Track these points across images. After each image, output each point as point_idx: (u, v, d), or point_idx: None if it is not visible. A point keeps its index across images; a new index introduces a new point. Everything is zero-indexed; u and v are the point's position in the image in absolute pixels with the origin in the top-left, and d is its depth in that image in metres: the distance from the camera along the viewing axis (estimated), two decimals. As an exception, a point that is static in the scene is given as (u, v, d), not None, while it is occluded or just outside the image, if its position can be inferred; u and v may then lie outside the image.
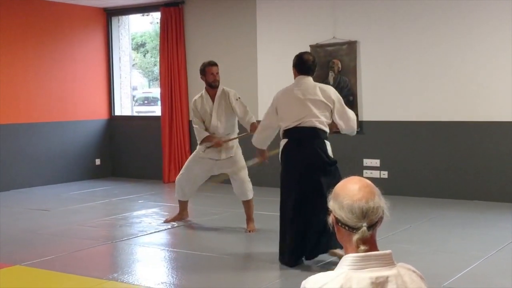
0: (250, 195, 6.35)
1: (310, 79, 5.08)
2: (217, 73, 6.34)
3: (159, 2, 9.91)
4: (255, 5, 9.07)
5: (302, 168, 4.90)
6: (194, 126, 6.44)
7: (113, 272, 5.00)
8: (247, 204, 6.39)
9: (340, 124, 5.05)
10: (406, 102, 8.01)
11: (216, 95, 6.34)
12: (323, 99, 4.96)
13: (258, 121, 5.75)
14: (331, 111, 5.00)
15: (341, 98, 5.12)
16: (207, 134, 6.29)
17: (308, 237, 4.87)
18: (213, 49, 9.53)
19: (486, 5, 7.47)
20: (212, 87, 6.34)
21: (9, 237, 6.19)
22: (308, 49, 8.54)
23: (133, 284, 4.63)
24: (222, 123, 6.31)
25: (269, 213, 7.12)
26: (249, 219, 6.38)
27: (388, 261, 1.83)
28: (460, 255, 5.23)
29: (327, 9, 8.45)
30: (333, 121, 5.05)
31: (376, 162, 8.18)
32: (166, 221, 6.69)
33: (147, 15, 12.77)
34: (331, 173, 4.87)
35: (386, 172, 8.12)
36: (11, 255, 5.46)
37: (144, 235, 6.22)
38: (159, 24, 10.21)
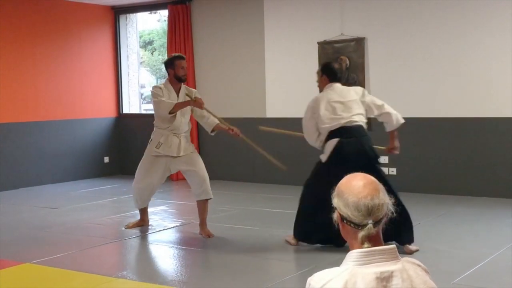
0: (211, 193, 5.95)
1: (339, 84, 5.43)
2: (186, 67, 6.03)
3: (167, 0, 9.90)
4: (263, 2, 9.05)
5: (357, 164, 4.99)
6: (160, 100, 5.79)
7: (122, 269, 5.01)
8: (204, 206, 5.97)
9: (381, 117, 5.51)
10: (414, 98, 7.97)
11: (181, 91, 6.01)
12: (359, 98, 5.36)
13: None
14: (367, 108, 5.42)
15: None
16: (175, 102, 5.82)
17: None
18: (221, 46, 9.52)
19: (495, 2, 7.41)
20: (181, 81, 5.99)
21: (18, 235, 6.21)
22: (316, 46, 8.55)
23: (142, 281, 4.63)
24: (185, 119, 6.01)
25: (278, 211, 7.10)
26: (205, 222, 5.99)
27: (392, 255, 1.84)
28: (471, 252, 5.20)
29: (335, 6, 8.42)
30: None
31: (384, 159, 8.13)
32: (127, 227, 6.32)
33: (155, 13, 12.75)
34: (378, 168, 5.25)
35: (394, 169, 8.09)
36: (20, 253, 5.47)
37: (153, 233, 6.22)
38: (166, 22, 10.21)
